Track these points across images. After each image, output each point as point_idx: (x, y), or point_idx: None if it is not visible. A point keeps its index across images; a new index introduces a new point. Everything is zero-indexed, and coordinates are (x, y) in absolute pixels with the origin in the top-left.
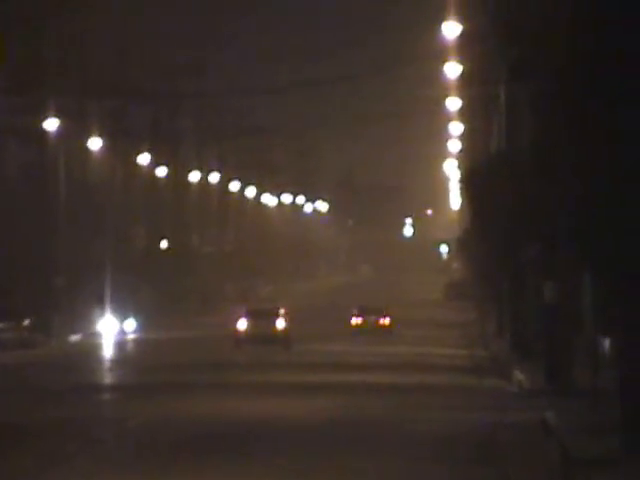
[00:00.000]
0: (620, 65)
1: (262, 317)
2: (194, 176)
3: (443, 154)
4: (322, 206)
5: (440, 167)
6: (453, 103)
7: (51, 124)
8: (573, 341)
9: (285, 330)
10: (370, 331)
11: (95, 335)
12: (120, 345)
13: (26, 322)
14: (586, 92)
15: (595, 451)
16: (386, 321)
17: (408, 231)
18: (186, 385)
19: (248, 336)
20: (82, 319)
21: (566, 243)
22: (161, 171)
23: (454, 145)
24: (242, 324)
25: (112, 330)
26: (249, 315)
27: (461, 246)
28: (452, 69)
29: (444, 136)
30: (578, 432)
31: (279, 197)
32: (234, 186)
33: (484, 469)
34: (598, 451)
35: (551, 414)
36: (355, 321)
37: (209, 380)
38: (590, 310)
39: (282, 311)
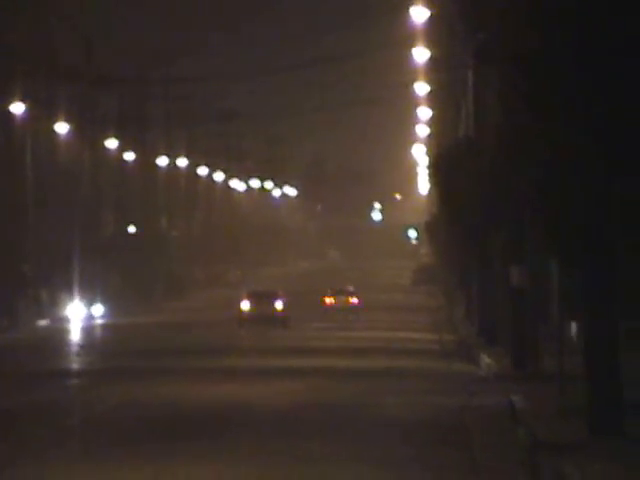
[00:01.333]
0: (579, 50)
1: (263, 299)
2: (162, 161)
3: (411, 139)
4: (290, 191)
5: (408, 152)
6: (421, 88)
7: (18, 108)
8: (540, 326)
9: (283, 311)
10: (341, 309)
11: (63, 320)
12: (88, 330)
13: None
14: (547, 76)
15: (562, 435)
16: (355, 300)
17: (377, 216)
18: (154, 370)
19: (250, 316)
20: (50, 304)
21: (532, 229)
22: (129, 156)
23: (422, 130)
24: (245, 305)
25: (80, 315)
26: (251, 297)
27: (429, 231)
28: (420, 54)
29: (412, 121)
30: (545, 416)
31: (247, 182)
32: (202, 171)
33: (451, 452)
34: (565, 435)
35: (518, 398)
36: (329, 300)
37: (178, 365)
38: (557, 295)
39: (280, 293)
